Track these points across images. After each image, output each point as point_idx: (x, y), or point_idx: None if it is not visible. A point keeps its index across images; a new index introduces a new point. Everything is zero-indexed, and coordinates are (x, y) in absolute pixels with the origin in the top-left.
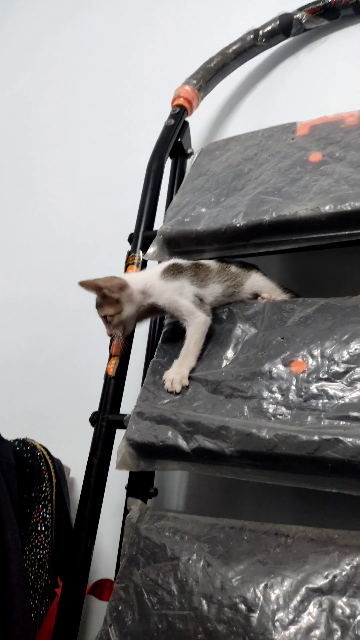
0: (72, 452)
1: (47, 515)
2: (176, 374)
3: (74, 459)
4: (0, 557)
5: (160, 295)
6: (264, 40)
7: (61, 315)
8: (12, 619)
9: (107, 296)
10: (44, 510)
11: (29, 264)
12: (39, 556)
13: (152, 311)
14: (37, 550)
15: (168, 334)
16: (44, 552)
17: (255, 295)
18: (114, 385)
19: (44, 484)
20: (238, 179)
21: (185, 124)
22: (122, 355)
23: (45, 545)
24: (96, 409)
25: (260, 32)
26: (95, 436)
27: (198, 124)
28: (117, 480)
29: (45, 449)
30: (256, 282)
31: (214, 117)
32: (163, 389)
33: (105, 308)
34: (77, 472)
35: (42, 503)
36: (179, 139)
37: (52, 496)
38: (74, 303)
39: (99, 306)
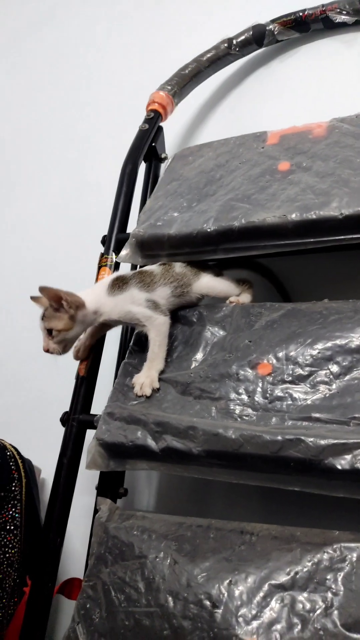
0: (43, 453)
1: (17, 515)
2: (146, 378)
3: (45, 460)
4: None
5: (112, 310)
6: (237, 49)
7: (32, 315)
8: None
9: (61, 309)
10: (13, 509)
11: (0, 265)
12: (7, 555)
13: (105, 327)
14: (6, 550)
15: (139, 337)
16: (13, 552)
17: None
18: (85, 386)
19: (14, 484)
20: (210, 185)
21: (160, 128)
22: (93, 356)
23: (14, 544)
24: (67, 409)
25: (234, 41)
26: (66, 436)
27: (172, 130)
28: (86, 480)
29: (15, 449)
30: (204, 283)
31: (188, 123)
32: (132, 389)
33: (54, 321)
34: (47, 473)
35: (12, 502)
36: (153, 144)
37: (21, 496)
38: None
39: (46, 318)
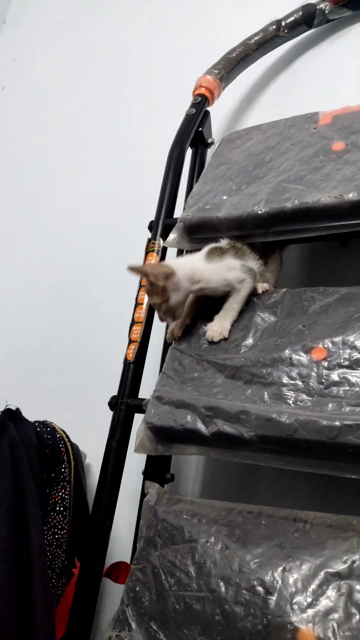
0: (89, 438)
1: (66, 497)
2: (218, 326)
3: (90, 446)
4: (22, 534)
5: (209, 278)
6: (286, 31)
7: (81, 302)
8: (34, 595)
9: (153, 284)
10: (63, 491)
11: (48, 251)
12: (56, 536)
13: (197, 303)
14: (55, 531)
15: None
16: (62, 533)
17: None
18: (132, 370)
19: (63, 465)
20: (259, 168)
21: (207, 113)
22: (141, 341)
23: (64, 525)
24: (114, 393)
25: (283, 23)
26: (114, 420)
27: (219, 114)
28: (134, 465)
29: (65, 432)
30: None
31: (235, 107)
32: (182, 374)
33: (152, 296)
34: (92, 458)
35: (61, 484)
36: (200, 129)
37: (70, 478)
38: (93, 290)
39: (148, 293)
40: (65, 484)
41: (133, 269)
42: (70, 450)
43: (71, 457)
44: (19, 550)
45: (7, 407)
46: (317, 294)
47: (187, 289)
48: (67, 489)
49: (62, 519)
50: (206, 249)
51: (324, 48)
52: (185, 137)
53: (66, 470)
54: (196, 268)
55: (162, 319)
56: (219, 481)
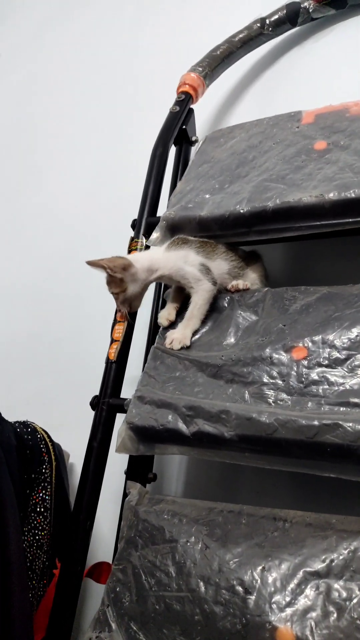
0: (72, 437)
1: (47, 497)
2: (179, 334)
3: (73, 445)
4: (0, 536)
5: (165, 265)
6: (270, 29)
7: (62, 300)
8: (11, 598)
9: (111, 275)
10: (44, 492)
11: (30, 249)
12: (37, 537)
13: (181, 289)
14: (36, 532)
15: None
16: (43, 534)
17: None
18: (115, 370)
19: (44, 466)
20: (242, 166)
21: (190, 111)
22: (123, 340)
23: (44, 526)
24: (96, 393)
25: (267, 21)
26: (96, 420)
27: (203, 112)
28: (116, 465)
29: (46, 432)
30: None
31: (219, 105)
32: (164, 374)
33: (111, 286)
34: (76, 457)
35: (42, 485)
36: (184, 126)
37: (51, 478)
38: (75, 289)
39: (107, 283)
40: (46, 484)
41: (91, 263)
42: (51, 450)
43: (52, 457)
44: None
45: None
46: (298, 293)
47: (145, 280)
48: (48, 489)
49: (42, 520)
50: (171, 240)
51: (308, 46)
52: (168, 134)
53: (47, 471)
54: (154, 258)
55: (119, 309)
56: (202, 480)
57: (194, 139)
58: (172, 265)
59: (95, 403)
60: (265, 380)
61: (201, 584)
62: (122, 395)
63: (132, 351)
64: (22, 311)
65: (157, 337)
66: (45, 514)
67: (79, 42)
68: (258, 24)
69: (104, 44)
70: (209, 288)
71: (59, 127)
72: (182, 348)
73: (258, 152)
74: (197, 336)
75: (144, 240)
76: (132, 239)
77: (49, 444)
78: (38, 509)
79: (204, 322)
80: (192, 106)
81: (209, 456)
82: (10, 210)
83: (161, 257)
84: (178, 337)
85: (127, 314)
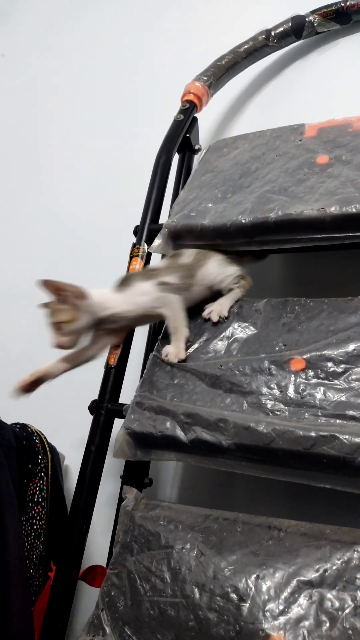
0: (68, 441)
1: (44, 487)
2: (174, 348)
3: (69, 448)
4: (1, 535)
5: (120, 305)
6: (275, 40)
7: None
8: (11, 602)
9: (66, 301)
10: (41, 482)
11: (31, 253)
12: (35, 527)
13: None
14: (34, 521)
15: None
16: (40, 524)
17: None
18: (114, 375)
19: (39, 457)
20: (245, 177)
21: (194, 119)
22: (123, 346)
23: (42, 516)
24: (92, 398)
25: (272, 33)
26: (94, 424)
27: (207, 121)
28: (112, 469)
29: (40, 432)
30: (207, 270)
31: (223, 115)
32: (162, 381)
33: (61, 314)
34: (71, 460)
35: (39, 475)
36: (188, 135)
37: (47, 470)
38: None
39: (52, 312)
40: (42, 474)
41: (50, 284)
42: (45, 443)
43: (47, 449)
44: None
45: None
46: (298, 305)
47: (95, 315)
48: (45, 480)
49: (40, 509)
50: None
51: (312, 59)
52: (172, 143)
53: (42, 462)
54: (106, 296)
55: (58, 344)
56: (197, 486)
57: (197, 147)
58: (129, 302)
59: (93, 408)
60: (263, 390)
61: (196, 590)
62: (120, 401)
63: (131, 357)
64: (20, 315)
65: (157, 344)
66: (42, 504)
67: (84, 46)
68: (263, 36)
69: (109, 48)
70: (175, 299)
71: (62, 131)
72: (179, 361)
73: (261, 164)
74: (195, 345)
75: (146, 247)
76: (134, 245)
77: (42, 437)
78: (36, 499)
79: (202, 333)
80: (196, 115)
81: (206, 464)
82: (12, 214)
83: (112, 297)
84: (173, 351)
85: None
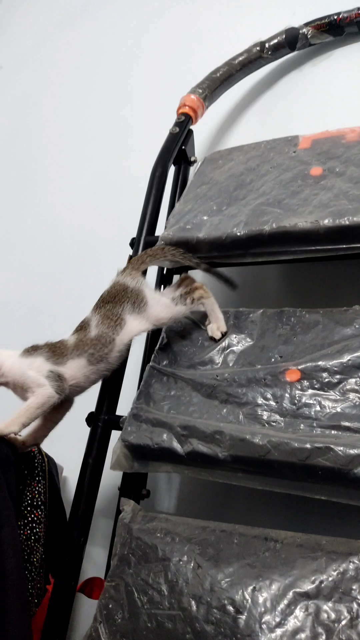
0: (66, 452)
1: (42, 490)
2: (214, 324)
3: (68, 460)
4: None
5: (10, 370)
6: (269, 52)
7: (59, 316)
8: (9, 615)
9: None
10: (39, 485)
11: (27, 263)
12: (35, 530)
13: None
14: (33, 525)
15: (165, 340)
16: (40, 527)
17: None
18: (111, 387)
19: (35, 461)
20: (240, 189)
21: (190, 132)
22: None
23: (41, 519)
24: (89, 410)
25: (267, 45)
26: (91, 436)
27: (202, 133)
28: (110, 481)
29: None
30: (130, 330)
31: (219, 127)
32: (159, 392)
33: None
34: (69, 472)
35: (36, 479)
36: (183, 147)
37: (44, 473)
38: (73, 304)
39: None
40: (39, 478)
41: None
42: (40, 448)
43: (43, 454)
44: None
45: None
46: (294, 316)
47: None
48: (42, 483)
49: (40, 513)
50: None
51: (306, 70)
52: (168, 155)
53: (39, 466)
54: (5, 358)
55: None
56: (195, 497)
57: (192, 159)
58: (16, 371)
59: (91, 419)
60: (259, 401)
61: (193, 602)
62: (117, 413)
63: (128, 368)
64: (17, 325)
65: (153, 355)
66: (41, 507)
67: (80, 58)
68: (257, 48)
69: (105, 60)
70: (49, 393)
71: (58, 143)
72: (222, 334)
73: (255, 175)
74: (192, 356)
75: (141, 252)
76: (130, 257)
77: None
78: (34, 503)
79: (198, 343)
80: (191, 127)
81: (203, 475)
82: (8, 224)
83: (9, 361)
84: (2, 427)
85: None
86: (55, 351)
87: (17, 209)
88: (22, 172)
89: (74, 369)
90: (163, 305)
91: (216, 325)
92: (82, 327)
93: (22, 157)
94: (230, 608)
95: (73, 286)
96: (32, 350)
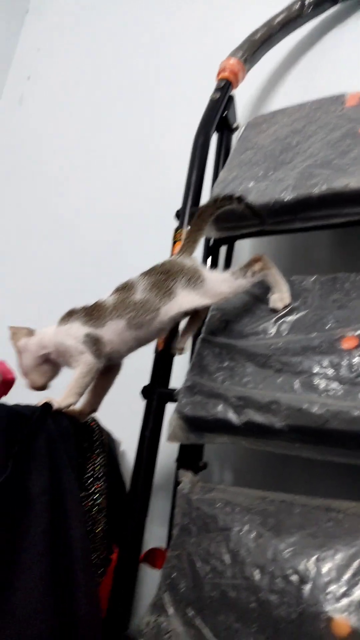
0: (122, 426)
1: (102, 462)
2: (60, 398)
3: (124, 434)
4: (62, 527)
5: (50, 340)
6: (310, 9)
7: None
8: (76, 588)
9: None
10: (99, 458)
11: (72, 241)
12: (97, 502)
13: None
14: (95, 497)
15: (216, 311)
16: (102, 498)
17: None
18: (164, 359)
19: (94, 434)
20: (286, 152)
21: (231, 97)
22: (171, 330)
23: (103, 491)
24: (144, 382)
25: (307, 1)
26: (147, 409)
27: (244, 98)
28: (166, 453)
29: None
30: (180, 304)
31: (260, 90)
32: (212, 364)
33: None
34: (126, 446)
35: (96, 452)
36: (225, 113)
37: (103, 446)
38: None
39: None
40: (99, 451)
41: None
42: (97, 422)
43: (100, 427)
44: (59, 544)
45: (46, 401)
46: (348, 281)
47: (35, 354)
48: (102, 456)
49: (101, 485)
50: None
51: (351, 24)
52: (210, 123)
53: (98, 440)
54: (48, 332)
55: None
56: (251, 469)
57: (235, 125)
58: (55, 340)
59: (146, 393)
60: (315, 370)
61: (256, 572)
62: (171, 386)
63: None
64: (65, 303)
65: (204, 327)
66: (102, 479)
67: (117, 32)
68: (297, 5)
69: (143, 33)
70: (90, 362)
71: (101, 117)
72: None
73: (302, 137)
74: (245, 326)
75: (188, 230)
76: (176, 230)
77: (94, 419)
78: (95, 475)
79: (251, 313)
80: (232, 92)
81: (259, 446)
82: (50, 202)
83: (50, 332)
84: (58, 400)
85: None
86: (93, 313)
87: (61, 189)
88: (66, 152)
89: (112, 332)
90: (222, 280)
91: (279, 296)
92: (125, 288)
93: (66, 137)
94: (294, 578)
95: (121, 262)
96: (68, 316)
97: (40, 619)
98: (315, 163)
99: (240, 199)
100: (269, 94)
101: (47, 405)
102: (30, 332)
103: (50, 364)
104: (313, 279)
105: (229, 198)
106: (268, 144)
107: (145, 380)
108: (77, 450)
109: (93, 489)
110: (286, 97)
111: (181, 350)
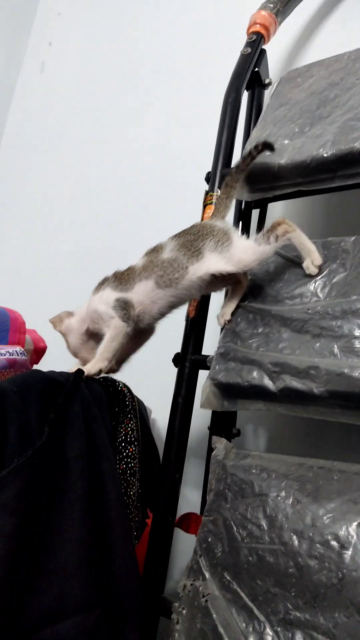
0: (153, 395)
1: (134, 427)
2: (91, 365)
3: (154, 402)
4: (99, 490)
5: (87, 311)
6: None
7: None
8: (114, 548)
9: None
10: (131, 423)
11: (103, 206)
12: (130, 465)
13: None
14: (128, 460)
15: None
16: (134, 462)
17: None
18: (195, 326)
19: (126, 399)
20: (324, 106)
21: (263, 52)
22: (202, 298)
23: (135, 455)
24: (174, 351)
25: None
26: (179, 376)
27: (276, 52)
28: (199, 421)
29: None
30: (207, 265)
31: (294, 43)
32: (246, 330)
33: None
34: (157, 413)
35: (128, 416)
36: (256, 69)
37: (135, 412)
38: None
39: None
40: (131, 416)
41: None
42: (129, 388)
43: (132, 393)
44: (96, 507)
45: (79, 367)
46: None
47: (80, 330)
48: (134, 421)
49: (133, 449)
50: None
51: None
52: (240, 79)
53: (130, 405)
54: (84, 306)
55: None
56: (286, 436)
57: (267, 81)
58: (89, 310)
59: (177, 360)
60: (356, 333)
61: (294, 537)
62: (203, 352)
63: (211, 307)
64: (96, 271)
65: None
66: (135, 443)
67: None
68: None
69: None
70: (120, 326)
71: (127, 80)
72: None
73: (340, 90)
74: (279, 291)
75: (219, 193)
76: (207, 193)
77: (126, 385)
78: (128, 439)
79: (287, 277)
80: (264, 46)
81: (297, 412)
82: (80, 168)
83: (87, 303)
84: (89, 367)
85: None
86: (123, 278)
87: (91, 155)
88: (92, 117)
89: (141, 293)
90: (245, 248)
91: (310, 260)
92: (154, 249)
93: (91, 102)
94: (335, 543)
95: (152, 227)
96: (101, 283)
97: (80, 579)
98: (357, 116)
99: (257, 147)
100: (302, 48)
101: (80, 371)
102: (69, 314)
103: (96, 338)
104: (353, 239)
105: (248, 154)
106: (304, 99)
107: (173, 350)
108: (110, 415)
109: (126, 452)
110: (321, 50)
111: (227, 322)
